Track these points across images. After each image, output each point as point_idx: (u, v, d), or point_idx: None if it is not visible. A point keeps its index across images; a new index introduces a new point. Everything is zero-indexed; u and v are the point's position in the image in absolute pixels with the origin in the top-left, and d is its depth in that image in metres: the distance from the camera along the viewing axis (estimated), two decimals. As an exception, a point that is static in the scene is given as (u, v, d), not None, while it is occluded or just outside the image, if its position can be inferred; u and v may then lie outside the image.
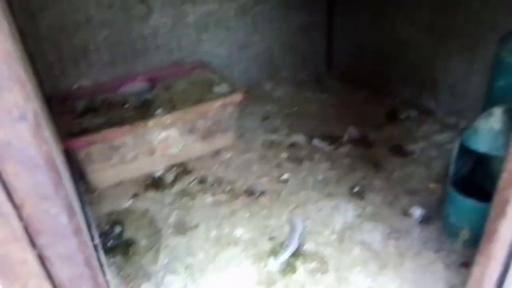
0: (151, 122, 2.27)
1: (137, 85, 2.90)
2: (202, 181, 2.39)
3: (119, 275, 1.76)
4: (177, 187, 2.35)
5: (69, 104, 2.54)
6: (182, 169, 2.49)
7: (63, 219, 0.66)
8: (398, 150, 2.59)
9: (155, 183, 2.37)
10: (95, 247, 1.53)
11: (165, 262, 1.84)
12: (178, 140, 2.46)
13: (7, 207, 0.59)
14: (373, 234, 1.96)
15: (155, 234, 1.99)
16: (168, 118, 2.31)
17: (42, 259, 0.69)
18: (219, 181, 2.38)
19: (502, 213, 1.11)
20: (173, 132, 2.42)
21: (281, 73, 3.70)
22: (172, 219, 2.09)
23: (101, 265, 1.39)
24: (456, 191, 1.82)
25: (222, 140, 2.66)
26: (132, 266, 1.82)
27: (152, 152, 2.40)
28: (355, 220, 2.05)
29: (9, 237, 0.61)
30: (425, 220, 2.03)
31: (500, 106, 1.64)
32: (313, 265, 1.80)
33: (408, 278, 1.73)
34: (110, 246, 1.88)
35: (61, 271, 0.72)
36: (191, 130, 2.49)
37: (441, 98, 2.93)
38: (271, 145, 2.73)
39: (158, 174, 2.44)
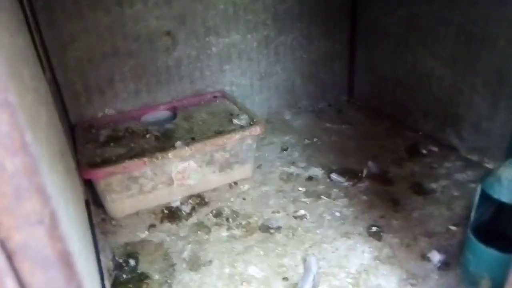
0: (170, 154, 2.32)
1: (159, 114, 2.99)
2: (218, 214, 2.40)
3: (131, 310, 1.78)
4: (193, 219, 2.37)
5: (93, 132, 2.63)
6: (199, 201, 2.51)
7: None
8: (419, 188, 2.54)
9: (172, 214, 2.40)
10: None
11: (178, 298, 1.84)
12: (196, 171, 2.49)
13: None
14: (389, 278, 1.91)
15: (169, 268, 2.00)
16: (187, 151, 2.35)
17: None
18: (235, 215, 2.39)
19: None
20: (191, 164, 2.45)
21: (302, 102, 3.72)
22: (186, 253, 2.10)
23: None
24: (476, 239, 1.76)
25: (239, 172, 2.68)
26: (145, 301, 1.83)
27: (170, 182, 2.44)
28: (371, 262, 2.01)
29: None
30: (444, 266, 1.97)
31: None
32: (326, 309, 1.77)
33: (424, 329, 1.67)
34: (123, 280, 1.90)
35: None
36: (209, 162, 2.52)
37: (464, 134, 2.87)
38: (289, 178, 2.73)
39: (175, 204, 2.47)
